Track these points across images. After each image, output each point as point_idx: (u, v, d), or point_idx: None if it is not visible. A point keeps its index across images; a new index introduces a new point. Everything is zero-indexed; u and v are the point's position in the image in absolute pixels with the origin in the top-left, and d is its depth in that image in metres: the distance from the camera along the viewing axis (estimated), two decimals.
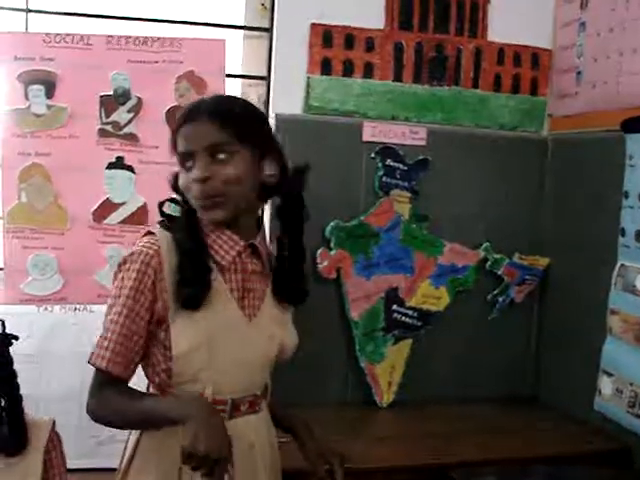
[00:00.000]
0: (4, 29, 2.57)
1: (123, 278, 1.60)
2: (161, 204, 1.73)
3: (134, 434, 1.70)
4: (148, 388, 1.73)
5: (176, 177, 1.69)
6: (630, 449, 2.53)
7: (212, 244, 1.65)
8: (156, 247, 1.61)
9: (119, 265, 1.64)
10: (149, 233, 1.67)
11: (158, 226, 1.70)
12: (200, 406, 1.53)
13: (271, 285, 1.74)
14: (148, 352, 1.64)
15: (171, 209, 1.73)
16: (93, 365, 1.61)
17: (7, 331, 1.74)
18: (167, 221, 1.69)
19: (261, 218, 1.73)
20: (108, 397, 1.60)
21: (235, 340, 1.63)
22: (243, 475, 1.64)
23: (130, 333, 1.58)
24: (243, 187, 1.61)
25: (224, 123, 1.59)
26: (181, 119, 1.63)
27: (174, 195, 1.73)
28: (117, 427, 1.74)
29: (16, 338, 1.76)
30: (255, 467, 1.69)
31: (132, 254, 1.62)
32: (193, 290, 1.58)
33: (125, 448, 1.73)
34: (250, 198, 1.66)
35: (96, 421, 1.65)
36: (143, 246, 1.62)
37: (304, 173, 1.76)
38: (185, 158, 1.61)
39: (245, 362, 1.67)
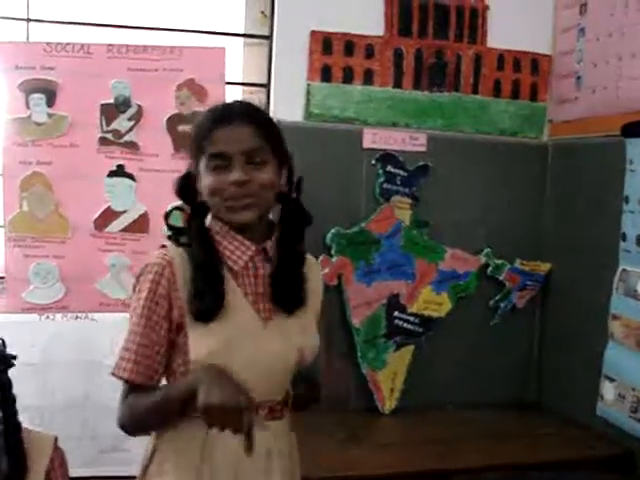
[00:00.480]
0: (5, 38, 2.58)
1: (139, 290, 1.61)
2: (167, 215, 1.72)
3: (151, 440, 1.69)
4: None
5: (183, 181, 1.68)
6: (633, 454, 2.53)
7: (224, 250, 1.65)
8: (168, 258, 1.61)
9: (135, 280, 1.65)
10: (162, 247, 1.67)
11: (168, 240, 1.70)
12: (207, 369, 1.53)
13: (269, 290, 1.72)
14: (169, 359, 1.64)
15: (173, 219, 1.73)
16: (115, 376, 1.60)
17: (8, 346, 1.73)
18: (175, 233, 1.68)
19: (272, 223, 1.72)
20: (130, 404, 1.60)
21: (251, 344, 1.62)
22: None
23: (150, 342, 1.59)
24: (273, 193, 1.64)
25: (260, 129, 1.61)
26: (213, 121, 1.62)
27: (174, 202, 1.72)
28: (145, 431, 1.69)
29: (14, 357, 1.74)
30: (271, 474, 1.67)
31: (145, 266, 1.63)
32: (206, 304, 1.58)
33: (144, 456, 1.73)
34: (273, 204, 1.68)
35: (127, 433, 1.65)
36: (156, 257, 1.63)
37: (300, 181, 1.76)
38: (219, 160, 1.59)
39: (263, 367, 1.65)
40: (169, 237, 1.69)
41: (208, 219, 1.69)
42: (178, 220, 1.72)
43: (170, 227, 1.69)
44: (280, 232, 1.72)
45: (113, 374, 1.60)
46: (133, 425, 1.63)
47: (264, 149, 1.61)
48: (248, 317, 1.63)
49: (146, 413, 1.61)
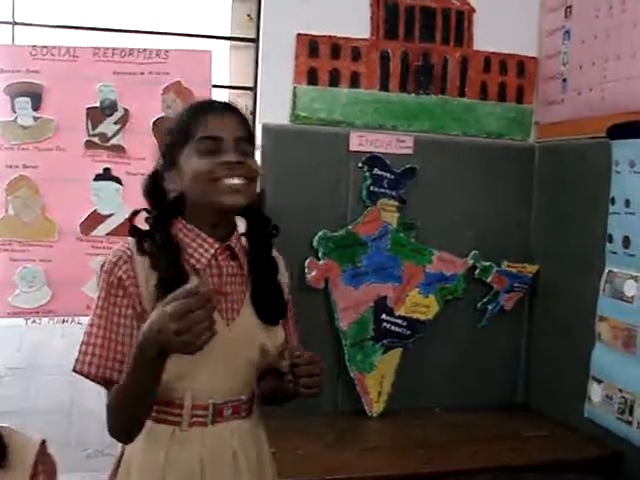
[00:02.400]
0: None
1: (101, 281, 1.61)
2: (132, 215, 1.69)
3: (120, 447, 1.67)
4: None
5: (152, 181, 1.67)
6: (621, 455, 2.53)
7: (186, 247, 1.63)
8: (124, 249, 1.61)
9: (99, 272, 1.64)
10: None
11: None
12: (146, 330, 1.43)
13: (249, 298, 1.70)
14: None
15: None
16: (75, 372, 1.57)
17: None
18: (139, 237, 1.65)
19: (234, 222, 1.71)
20: (109, 404, 1.56)
21: (213, 345, 1.59)
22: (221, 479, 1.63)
23: (112, 330, 1.56)
24: (256, 186, 1.66)
25: (246, 123, 1.68)
26: (203, 108, 1.64)
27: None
28: (133, 429, 1.57)
29: None
30: (237, 473, 1.66)
31: (104, 263, 1.62)
32: None
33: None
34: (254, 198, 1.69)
35: (120, 439, 1.61)
36: (113, 251, 1.63)
37: (263, 194, 1.80)
38: (211, 143, 1.59)
39: (225, 366, 1.65)
40: (130, 232, 1.66)
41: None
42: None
43: (135, 230, 1.66)
44: (249, 244, 1.73)
45: (75, 370, 1.57)
46: (119, 426, 1.57)
47: (249, 143, 1.65)
48: None
49: (122, 403, 1.54)
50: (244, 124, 1.66)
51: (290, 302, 1.83)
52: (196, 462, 1.61)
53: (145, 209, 1.68)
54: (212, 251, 1.64)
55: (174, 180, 1.63)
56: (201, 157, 1.59)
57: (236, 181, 1.58)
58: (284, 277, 1.81)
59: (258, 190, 1.71)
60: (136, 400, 1.53)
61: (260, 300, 1.70)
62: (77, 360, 1.57)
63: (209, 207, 1.61)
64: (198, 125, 1.61)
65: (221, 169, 1.57)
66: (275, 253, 1.81)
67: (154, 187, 1.67)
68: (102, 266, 1.62)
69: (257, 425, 1.76)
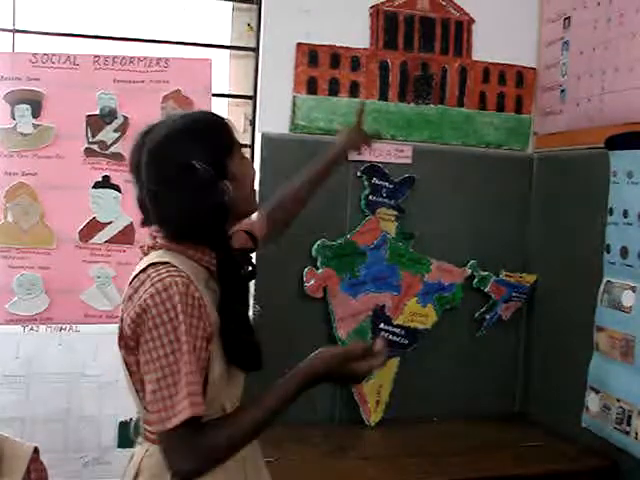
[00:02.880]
0: None
1: (167, 312, 1.43)
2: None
3: (137, 455, 1.61)
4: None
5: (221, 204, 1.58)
6: (618, 466, 2.53)
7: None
8: (185, 277, 1.48)
9: (151, 303, 1.45)
10: (153, 265, 1.51)
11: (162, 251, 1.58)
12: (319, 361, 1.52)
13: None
14: None
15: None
16: (177, 426, 1.40)
17: None
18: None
19: None
20: (219, 431, 1.46)
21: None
22: None
23: (199, 363, 1.46)
24: None
25: None
26: (218, 119, 1.66)
27: None
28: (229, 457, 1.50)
29: None
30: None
31: (165, 287, 1.45)
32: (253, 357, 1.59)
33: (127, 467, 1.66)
34: None
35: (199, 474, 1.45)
36: (169, 274, 1.47)
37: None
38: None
39: (241, 383, 1.68)
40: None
41: None
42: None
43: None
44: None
45: (185, 421, 1.39)
46: (226, 454, 1.47)
47: None
48: None
49: (255, 428, 1.49)
50: None
51: None
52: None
53: None
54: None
55: (226, 192, 1.56)
56: (245, 160, 1.67)
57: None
58: None
59: None
60: (268, 423, 1.51)
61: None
62: (169, 415, 1.40)
63: (245, 211, 1.67)
64: (232, 133, 1.63)
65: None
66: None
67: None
68: (163, 290, 1.45)
69: None
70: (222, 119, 1.66)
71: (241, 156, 1.64)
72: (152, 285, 1.46)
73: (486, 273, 2.98)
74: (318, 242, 2.76)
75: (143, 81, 2.60)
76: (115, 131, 2.59)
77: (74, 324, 2.44)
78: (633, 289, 2.43)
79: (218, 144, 1.59)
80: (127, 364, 1.54)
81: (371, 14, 2.85)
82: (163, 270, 1.48)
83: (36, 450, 1.73)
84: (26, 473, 1.67)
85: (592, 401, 2.61)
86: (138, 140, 1.61)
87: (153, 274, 1.48)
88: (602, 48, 2.69)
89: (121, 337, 1.52)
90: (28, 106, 2.53)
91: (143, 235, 2.51)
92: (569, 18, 2.88)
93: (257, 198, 1.71)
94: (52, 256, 2.55)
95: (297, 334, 2.69)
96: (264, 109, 2.80)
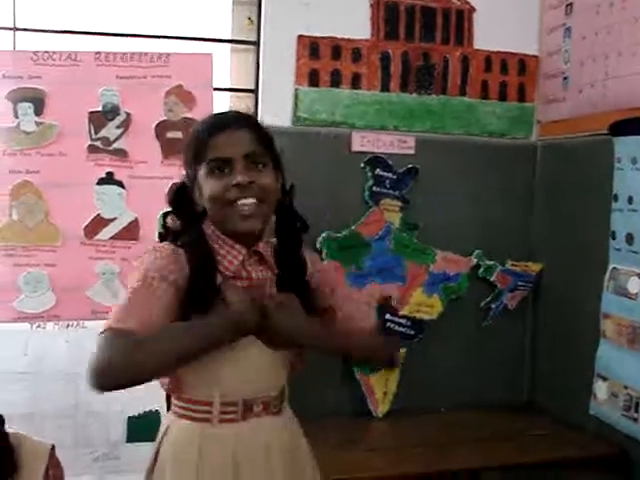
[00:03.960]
0: None
1: (142, 262, 1.58)
2: (165, 215, 1.72)
3: (155, 443, 1.71)
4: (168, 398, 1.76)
5: (176, 194, 1.69)
6: (626, 453, 2.53)
7: (215, 254, 1.65)
8: (172, 247, 1.62)
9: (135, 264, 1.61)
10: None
11: (158, 240, 1.70)
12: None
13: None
14: None
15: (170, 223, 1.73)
16: (107, 331, 1.47)
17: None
18: (172, 235, 1.68)
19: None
20: (126, 343, 1.44)
21: (242, 345, 1.62)
22: (255, 477, 1.65)
23: (148, 298, 1.52)
24: (274, 198, 1.67)
25: (259, 135, 1.66)
26: (210, 128, 1.64)
27: (165, 208, 1.73)
28: (139, 375, 1.47)
29: None
30: (271, 468, 1.67)
31: (153, 247, 1.63)
32: (201, 310, 1.58)
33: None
34: (273, 210, 1.70)
35: (107, 381, 1.44)
36: (159, 246, 1.64)
37: (293, 188, 1.78)
38: (220, 165, 1.60)
39: (254, 363, 1.67)
40: (160, 236, 1.70)
41: None
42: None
43: (167, 229, 1.70)
44: (278, 241, 1.73)
45: (102, 332, 1.47)
46: (126, 365, 1.44)
47: (263, 152, 1.64)
48: None
49: (162, 345, 1.48)
50: (255, 134, 1.65)
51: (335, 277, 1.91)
52: (229, 458, 1.64)
53: (173, 212, 1.72)
54: (240, 258, 1.66)
55: (197, 195, 1.65)
56: (214, 179, 1.60)
57: (247, 203, 1.59)
58: (316, 267, 1.82)
59: (285, 187, 1.75)
60: (177, 359, 1.52)
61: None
62: (114, 319, 1.48)
63: (224, 227, 1.64)
64: (208, 146, 1.61)
65: (233, 191, 1.58)
66: (307, 250, 1.81)
67: (179, 200, 1.69)
68: (149, 249, 1.62)
69: (291, 421, 1.79)
70: (204, 128, 1.66)
71: (209, 171, 1.60)
72: None
73: (491, 262, 2.98)
74: (323, 234, 2.76)
75: (145, 77, 2.59)
76: (118, 127, 2.59)
77: (80, 320, 2.44)
78: (639, 275, 2.43)
79: (190, 152, 1.67)
80: None
81: (371, 5, 2.84)
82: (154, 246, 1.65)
83: (53, 447, 1.76)
84: (46, 470, 1.71)
85: (600, 389, 2.61)
86: None
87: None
88: (605, 33, 2.68)
89: None
90: (30, 104, 2.53)
91: (147, 231, 2.54)
92: (571, 4, 2.86)
93: (248, 224, 1.62)
94: (58, 253, 2.56)
95: None
96: (266, 102, 2.79)
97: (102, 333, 1.47)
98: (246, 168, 1.59)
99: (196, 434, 1.64)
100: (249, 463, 1.64)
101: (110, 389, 1.44)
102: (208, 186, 1.61)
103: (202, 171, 1.62)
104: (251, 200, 1.59)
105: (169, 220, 1.72)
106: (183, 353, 1.51)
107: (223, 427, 1.64)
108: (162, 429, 1.73)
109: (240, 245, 1.66)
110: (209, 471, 1.63)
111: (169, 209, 1.73)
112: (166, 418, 1.76)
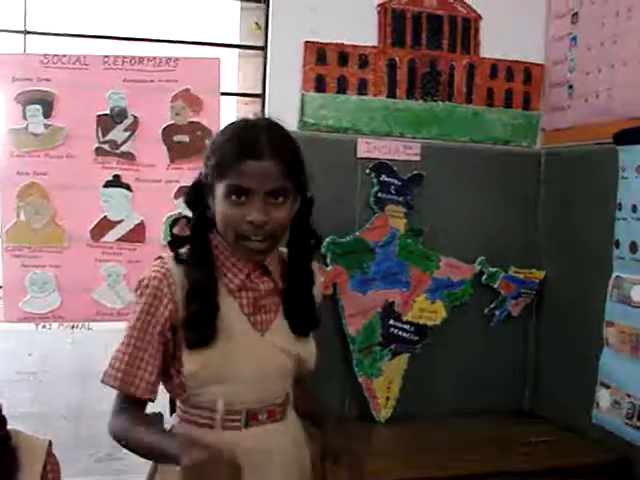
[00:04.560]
0: (2, 50, 2.60)
1: (136, 303, 1.62)
2: (173, 223, 1.70)
3: (170, 424, 1.73)
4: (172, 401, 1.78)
5: (193, 191, 1.67)
6: (629, 461, 2.53)
7: (221, 266, 1.64)
8: (165, 270, 1.61)
9: (135, 292, 1.64)
10: (159, 258, 1.67)
11: (167, 248, 1.70)
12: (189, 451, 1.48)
13: (282, 309, 1.71)
14: (165, 365, 1.64)
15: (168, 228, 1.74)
16: (104, 383, 1.61)
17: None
18: (177, 242, 1.67)
19: None
20: (123, 422, 1.61)
21: (246, 355, 1.63)
22: None
23: (141, 353, 1.59)
24: (285, 230, 1.63)
25: (288, 167, 1.57)
26: (241, 150, 1.55)
27: (170, 212, 1.74)
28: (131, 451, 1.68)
29: None
30: (271, 474, 1.67)
31: (142, 279, 1.62)
32: (199, 334, 1.58)
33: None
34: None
35: (116, 441, 1.63)
36: (153, 270, 1.62)
37: (312, 203, 1.73)
38: (240, 192, 1.54)
39: (258, 375, 1.66)
40: (169, 244, 1.69)
41: None
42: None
43: (173, 236, 1.68)
44: (289, 253, 1.73)
45: (102, 381, 1.61)
46: (123, 443, 1.62)
47: (287, 188, 1.58)
48: (244, 330, 1.64)
49: (137, 445, 1.61)
50: (285, 168, 1.56)
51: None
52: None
53: (185, 217, 1.69)
54: (245, 272, 1.65)
55: (210, 201, 1.62)
56: (230, 203, 1.56)
57: (258, 241, 1.57)
58: (317, 288, 1.80)
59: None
60: (143, 454, 1.62)
61: (292, 312, 1.71)
62: (105, 373, 1.61)
63: (233, 248, 1.63)
64: (233, 168, 1.54)
65: (245, 226, 1.55)
66: (314, 264, 1.78)
67: (195, 197, 1.66)
68: (136, 289, 1.63)
69: (294, 426, 1.78)
70: (235, 145, 1.57)
71: (227, 193, 1.55)
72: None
73: (495, 269, 2.98)
74: (327, 239, 2.76)
75: (152, 80, 2.62)
76: (125, 130, 2.61)
77: (85, 322, 2.46)
78: None
79: (214, 162, 1.60)
80: None
81: (378, 12, 2.86)
82: (153, 264, 1.65)
83: (50, 444, 1.76)
84: (44, 466, 1.71)
85: (602, 396, 2.61)
86: None
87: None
88: (610, 43, 2.69)
89: None
90: (39, 106, 2.55)
91: (153, 233, 2.56)
92: (577, 14, 2.88)
93: (254, 256, 1.62)
94: (64, 255, 2.58)
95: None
96: (273, 107, 2.81)
97: (117, 398, 1.64)
98: (264, 203, 1.54)
99: (198, 435, 1.62)
100: (250, 469, 1.63)
101: None
102: (223, 208, 1.57)
103: (221, 187, 1.57)
104: (260, 239, 1.57)
105: (176, 228, 1.71)
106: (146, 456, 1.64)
107: (225, 434, 1.64)
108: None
109: (243, 262, 1.65)
110: None
111: (176, 215, 1.75)
112: (170, 421, 1.77)
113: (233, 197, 1.55)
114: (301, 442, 1.80)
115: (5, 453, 1.65)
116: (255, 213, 1.53)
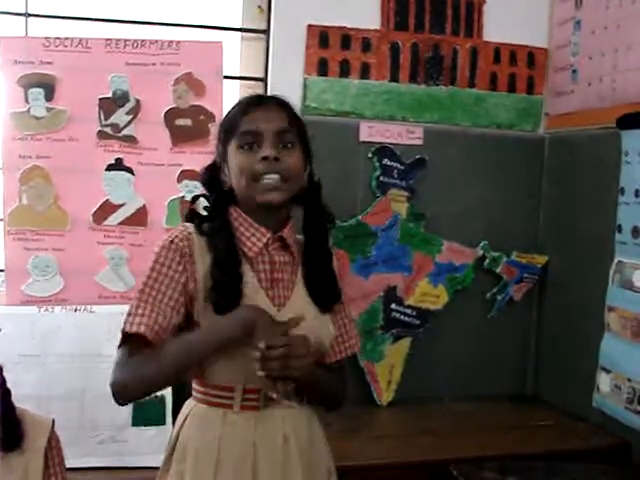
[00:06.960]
0: (4, 33, 2.59)
1: (156, 253, 1.64)
2: (192, 201, 1.76)
3: (175, 429, 1.72)
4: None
5: (209, 171, 1.74)
6: (629, 445, 2.55)
7: (240, 237, 1.68)
8: (183, 228, 1.67)
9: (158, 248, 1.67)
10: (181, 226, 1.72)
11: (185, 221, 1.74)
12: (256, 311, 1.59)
13: (304, 286, 1.73)
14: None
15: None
16: (126, 333, 1.59)
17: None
18: (198, 220, 1.71)
19: (289, 212, 1.74)
20: (137, 361, 1.58)
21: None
22: (273, 467, 1.65)
23: (160, 295, 1.61)
24: (299, 179, 1.70)
25: (291, 115, 1.70)
26: (246, 104, 1.69)
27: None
28: (144, 393, 1.67)
29: None
30: (288, 461, 1.67)
31: (168, 237, 1.66)
32: (225, 299, 1.60)
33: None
34: (296, 192, 1.71)
35: (120, 397, 1.59)
36: (179, 231, 1.67)
37: (320, 183, 1.80)
38: (250, 137, 1.64)
39: None
40: (188, 219, 1.72)
41: None
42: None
43: (194, 214, 1.73)
44: (305, 237, 1.77)
45: (124, 332, 1.59)
46: (135, 385, 1.59)
47: (294, 132, 1.68)
48: (261, 303, 1.65)
49: (158, 367, 1.58)
50: (289, 115, 1.69)
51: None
52: (249, 446, 1.63)
53: (204, 195, 1.75)
54: (264, 240, 1.68)
55: (226, 174, 1.70)
56: (242, 152, 1.65)
57: (272, 178, 1.62)
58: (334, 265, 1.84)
59: (309, 179, 1.76)
60: (176, 372, 1.62)
61: (314, 285, 1.73)
62: (126, 322, 1.60)
63: (246, 202, 1.68)
64: (241, 120, 1.66)
65: (259, 165, 1.62)
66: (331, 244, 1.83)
67: (211, 178, 1.73)
68: (164, 241, 1.66)
69: (309, 411, 1.77)
70: (239, 105, 1.72)
71: (239, 145, 1.65)
72: None
73: (497, 254, 2.99)
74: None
75: (155, 64, 2.61)
76: (127, 114, 2.60)
77: (88, 305, 2.46)
78: None
79: (222, 129, 1.72)
80: None
81: None
82: (177, 227, 1.71)
83: (53, 422, 1.81)
84: (48, 442, 1.76)
85: (603, 381, 2.62)
86: None
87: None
88: (614, 27, 2.68)
89: None
90: (41, 90, 2.54)
91: (155, 217, 2.56)
92: None
93: (271, 195, 1.64)
94: (66, 238, 2.58)
95: None
96: (275, 91, 2.73)
97: (120, 347, 1.61)
98: (275, 144, 1.63)
99: (217, 420, 1.64)
100: (267, 451, 1.64)
101: (127, 404, 1.69)
102: (237, 160, 1.65)
103: (232, 145, 1.66)
104: (276, 176, 1.62)
105: (196, 205, 1.75)
106: (188, 363, 1.63)
107: (243, 414, 1.64)
108: (182, 414, 1.73)
109: (265, 229, 1.68)
110: (229, 459, 1.63)
111: (197, 193, 1.77)
112: (187, 404, 1.75)
113: (245, 146, 1.64)
114: (317, 428, 1.80)
115: (11, 422, 1.69)
116: (267, 150, 1.61)
